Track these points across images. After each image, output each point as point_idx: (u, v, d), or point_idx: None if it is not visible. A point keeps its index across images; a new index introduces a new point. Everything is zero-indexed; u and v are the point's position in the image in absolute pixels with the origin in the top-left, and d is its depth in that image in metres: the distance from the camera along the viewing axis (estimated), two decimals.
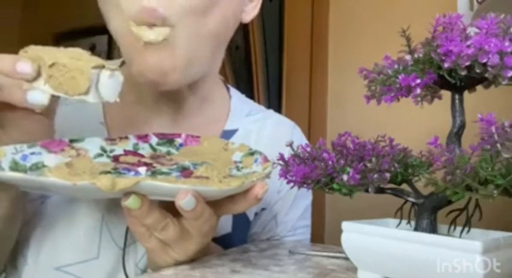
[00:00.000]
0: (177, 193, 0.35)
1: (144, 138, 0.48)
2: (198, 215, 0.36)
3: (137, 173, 0.42)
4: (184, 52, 0.46)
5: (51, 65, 0.37)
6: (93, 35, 2.03)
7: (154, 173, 0.42)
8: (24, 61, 0.37)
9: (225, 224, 0.56)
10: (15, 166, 0.38)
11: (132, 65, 0.47)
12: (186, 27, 0.46)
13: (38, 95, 0.37)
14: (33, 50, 0.38)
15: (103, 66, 0.38)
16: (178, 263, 0.41)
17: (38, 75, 0.37)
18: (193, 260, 0.42)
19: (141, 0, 0.43)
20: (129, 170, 0.42)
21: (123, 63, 0.59)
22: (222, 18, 0.49)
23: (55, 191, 0.37)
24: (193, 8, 0.45)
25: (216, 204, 0.39)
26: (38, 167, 0.39)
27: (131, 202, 0.35)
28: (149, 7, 0.43)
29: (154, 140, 0.48)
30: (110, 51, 2.05)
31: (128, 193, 0.35)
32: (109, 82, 0.38)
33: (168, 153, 0.48)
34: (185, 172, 0.43)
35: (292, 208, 0.63)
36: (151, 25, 0.44)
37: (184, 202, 0.35)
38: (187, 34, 0.46)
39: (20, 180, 0.34)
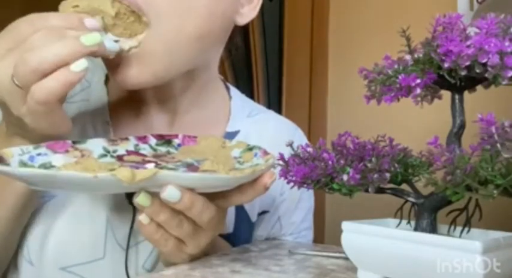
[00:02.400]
0: (194, 182, 0.36)
1: (143, 139, 0.48)
2: (188, 206, 0.36)
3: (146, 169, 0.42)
4: (160, 56, 0.45)
5: (115, 15, 0.40)
6: None
7: (162, 169, 0.42)
8: (87, 17, 0.39)
9: (227, 224, 0.56)
10: (24, 167, 0.38)
11: (109, 73, 0.47)
12: (164, 28, 0.44)
13: (111, 43, 0.40)
14: (85, 3, 0.40)
15: None
16: (192, 258, 0.42)
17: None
18: (193, 260, 0.43)
19: None
20: (137, 168, 0.42)
21: None
22: (207, 18, 0.47)
23: (68, 187, 0.38)
24: (173, 6, 0.44)
25: (224, 196, 0.39)
26: (46, 167, 0.39)
27: (142, 199, 0.36)
28: None
29: (153, 141, 0.49)
30: None
31: (138, 191, 0.36)
32: None
33: (168, 153, 0.48)
34: (191, 167, 0.43)
35: (296, 210, 0.63)
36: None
37: (166, 194, 0.35)
38: (164, 36, 0.44)
39: (39, 176, 0.34)
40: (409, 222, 0.38)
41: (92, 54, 0.37)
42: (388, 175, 0.36)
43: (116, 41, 0.41)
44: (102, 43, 0.38)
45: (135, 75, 0.45)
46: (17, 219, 0.46)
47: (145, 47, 0.44)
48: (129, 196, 0.46)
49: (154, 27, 0.44)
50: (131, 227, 0.50)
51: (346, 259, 0.42)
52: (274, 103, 1.54)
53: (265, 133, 0.62)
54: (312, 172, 0.37)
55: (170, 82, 0.53)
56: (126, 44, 0.43)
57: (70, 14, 0.39)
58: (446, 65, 0.32)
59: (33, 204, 0.48)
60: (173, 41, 0.45)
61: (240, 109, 0.63)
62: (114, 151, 0.45)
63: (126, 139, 0.47)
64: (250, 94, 1.61)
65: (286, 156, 0.41)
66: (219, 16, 0.49)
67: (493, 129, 0.29)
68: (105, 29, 0.40)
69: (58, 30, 0.37)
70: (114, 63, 0.45)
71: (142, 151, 0.47)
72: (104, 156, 0.44)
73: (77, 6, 0.39)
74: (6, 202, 0.44)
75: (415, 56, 0.35)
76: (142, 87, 0.47)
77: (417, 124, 1.09)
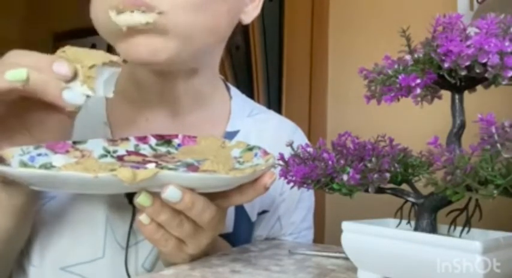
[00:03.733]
0: (195, 182, 0.36)
1: (143, 139, 0.48)
2: (188, 206, 0.36)
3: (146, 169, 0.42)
4: (176, 33, 0.45)
5: (91, 67, 0.38)
6: (93, 34, 2.02)
7: (162, 169, 0.42)
8: (61, 62, 0.38)
9: (227, 224, 0.56)
10: (24, 167, 0.38)
11: (118, 47, 0.46)
12: (179, 15, 0.44)
13: (75, 95, 0.38)
14: (72, 50, 0.39)
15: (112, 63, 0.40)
16: (192, 258, 0.42)
17: (75, 76, 0.38)
18: (193, 260, 0.43)
19: None
20: (137, 168, 0.42)
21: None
22: (218, 15, 0.48)
23: (69, 188, 0.38)
24: (184, 2, 0.44)
25: (224, 195, 0.39)
26: (46, 167, 0.39)
27: (142, 198, 0.36)
28: None
29: (153, 141, 0.49)
30: (110, 51, 2.04)
31: (139, 191, 0.36)
32: (111, 78, 0.41)
33: (168, 153, 0.48)
34: (191, 167, 0.43)
35: (296, 210, 0.62)
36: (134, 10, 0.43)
37: (167, 194, 0.35)
38: (180, 19, 0.44)
39: (39, 176, 0.34)
40: (409, 222, 0.38)
41: (16, 91, 0.36)
42: (388, 175, 0.36)
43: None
44: (27, 81, 0.36)
45: (146, 42, 0.44)
46: (16, 229, 0.46)
47: (158, 24, 0.43)
48: (129, 195, 0.46)
49: (169, 13, 0.43)
50: (131, 227, 0.50)
51: (346, 259, 0.42)
52: (274, 103, 1.54)
53: (266, 133, 0.62)
54: (312, 172, 0.37)
55: (174, 83, 0.53)
56: (143, 17, 0.43)
57: (43, 55, 0.39)
58: (446, 65, 0.32)
59: (32, 213, 0.48)
60: (188, 26, 0.45)
61: (241, 108, 0.63)
62: (115, 152, 0.45)
63: (127, 139, 0.47)
64: (250, 94, 1.61)
65: (286, 156, 0.41)
66: (225, 14, 0.50)
67: (493, 129, 0.29)
68: (83, 80, 0.39)
69: (14, 65, 0.36)
70: (122, 37, 0.45)
71: (142, 152, 0.47)
72: (104, 156, 0.44)
73: (63, 51, 0.39)
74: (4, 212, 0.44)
75: (415, 56, 0.35)
76: (169, 66, 0.47)
77: (417, 124, 1.09)
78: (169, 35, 0.45)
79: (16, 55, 0.38)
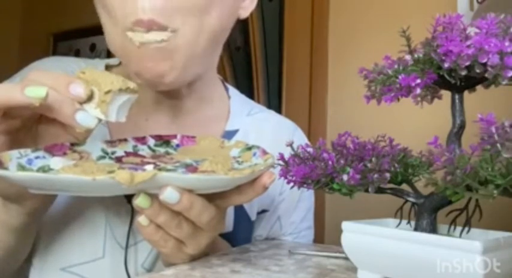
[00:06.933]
0: (193, 183, 0.36)
1: (142, 140, 0.48)
2: (187, 207, 0.36)
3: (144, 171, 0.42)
4: (183, 53, 0.46)
5: (107, 92, 0.38)
6: (93, 34, 2.03)
7: (160, 170, 0.42)
8: (77, 83, 0.38)
9: (226, 223, 0.56)
10: (22, 170, 0.38)
11: (129, 66, 0.47)
12: (188, 28, 0.45)
13: (88, 117, 0.38)
14: (91, 72, 0.39)
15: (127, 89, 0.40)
16: (192, 258, 0.42)
17: (90, 98, 0.39)
18: (193, 260, 0.43)
19: (136, 13, 0.42)
20: (135, 169, 0.42)
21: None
22: (221, 15, 0.48)
23: (67, 190, 0.38)
24: (191, 10, 0.45)
25: (223, 196, 0.39)
26: (44, 170, 0.39)
27: (141, 200, 0.36)
28: (146, 19, 0.42)
29: (151, 142, 0.49)
30: (110, 53, 2.04)
31: (138, 193, 0.36)
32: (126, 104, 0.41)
33: (167, 153, 0.48)
34: (190, 168, 0.43)
35: (295, 210, 0.62)
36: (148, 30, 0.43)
37: (165, 196, 0.35)
38: (188, 35, 0.45)
39: (37, 180, 0.34)
40: (409, 222, 0.38)
41: (32, 107, 0.36)
42: (388, 175, 0.36)
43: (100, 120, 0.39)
44: (45, 99, 0.36)
45: (155, 63, 0.45)
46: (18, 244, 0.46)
47: (168, 42, 0.44)
48: (128, 196, 0.46)
49: (180, 30, 0.44)
50: (130, 227, 0.50)
51: (346, 259, 0.42)
52: (274, 103, 1.54)
53: (265, 132, 0.62)
54: (312, 172, 0.37)
55: (176, 89, 0.53)
56: (158, 35, 0.43)
57: (61, 74, 0.39)
58: (446, 65, 0.32)
59: (34, 229, 0.48)
60: (195, 38, 0.46)
61: (239, 108, 0.63)
62: (113, 153, 0.45)
63: (125, 140, 0.47)
64: (250, 94, 1.61)
65: (286, 156, 0.41)
66: (228, 13, 0.50)
67: (493, 129, 0.29)
68: (97, 104, 0.39)
69: (34, 82, 0.37)
70: (133, 54, 0.45)
71: (141, 152, 0.47)
72: (103, 157, 0.44)
73: (83, 73, 0.40)
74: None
75: (415, 56, 0.35)
76: (175, 86, 0.48)
77: (417, 124, 1.09)
78: (179, 54, 0.45)
79: (36, 73, 0.39)
